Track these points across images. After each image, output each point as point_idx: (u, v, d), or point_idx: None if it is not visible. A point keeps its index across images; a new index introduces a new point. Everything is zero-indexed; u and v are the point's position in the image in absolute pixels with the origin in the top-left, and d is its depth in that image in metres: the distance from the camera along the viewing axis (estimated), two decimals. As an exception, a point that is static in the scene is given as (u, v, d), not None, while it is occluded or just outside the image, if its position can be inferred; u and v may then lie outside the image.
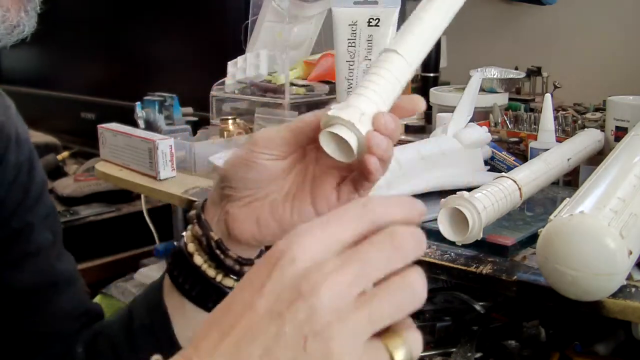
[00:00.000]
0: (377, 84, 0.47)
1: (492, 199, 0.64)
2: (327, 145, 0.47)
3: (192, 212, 0.58)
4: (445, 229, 0.65)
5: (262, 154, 0.52)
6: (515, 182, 0.69)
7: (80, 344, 0.67)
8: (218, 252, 0.57)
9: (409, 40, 0.49)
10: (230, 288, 0.57)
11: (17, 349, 0.67)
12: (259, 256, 0.59)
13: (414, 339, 0.37)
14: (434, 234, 0.66)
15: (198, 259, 0.57)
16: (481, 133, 0.90)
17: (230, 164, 0.54)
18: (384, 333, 0.37)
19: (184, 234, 0.59)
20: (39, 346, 0.68)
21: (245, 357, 0.36)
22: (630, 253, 0.49)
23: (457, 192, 0.64)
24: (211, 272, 0.57)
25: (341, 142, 0.47)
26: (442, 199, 0.65)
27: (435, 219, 0.65)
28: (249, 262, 0.57)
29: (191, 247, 0.58)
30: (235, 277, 0.57)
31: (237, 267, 0.57)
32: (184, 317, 0.60)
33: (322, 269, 0.36)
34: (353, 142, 0.46)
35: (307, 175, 0.54)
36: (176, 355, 0.38)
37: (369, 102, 0.47)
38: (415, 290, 0.37)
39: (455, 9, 0.52)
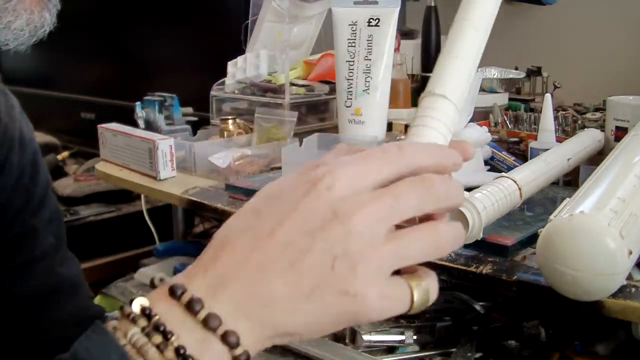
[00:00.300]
0: (429, 138, 0.44)
1: (492, 199, 0.64)
2: None
3: None
4: (445, 229, 0.65)
5: None
6: (515, 182, 0.69)
7: None
8: None
9: (454, 81, 0.46)
10: None
11: (20, 356, 0.66)
12: None
13: (433, 284, 0.40)
14: (434, 234, 0.66)
15: None
16: (481, 133, 0.90)
17: None
18: (407, 273, 0.39)
19: None
20: (42, 353, 0.67)
21: (270, 268, 0.37)
22: (630, 253, 0.49)
23: (457, 192, 0.63)
24: None
25: None
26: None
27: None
28: None
29: None
30: None
31: None
32: None
33: (359, 198, 0.38)
34: None
35: None
36: (179, 275, 0.39)
37: None
38: (440, 238, 0.39)
39: (484, 43, 0.49)
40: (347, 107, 0.96)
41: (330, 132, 1.04)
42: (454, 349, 0.77)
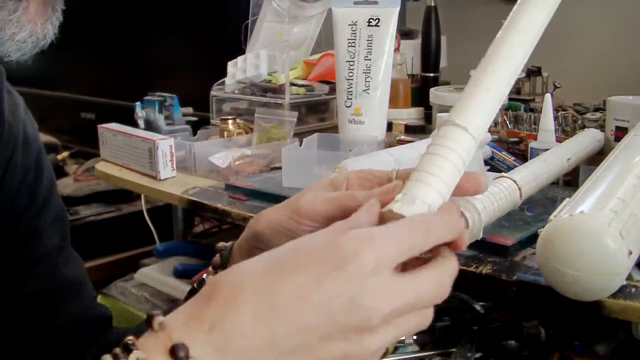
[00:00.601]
0: (443, 169, 0.42)
1: (492, 199, 0.64)
2: None
3: (218, 259, 0.56)
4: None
5: (305, 226, 0.48)
6: (515, 182, 0.69)
7: (89, 356, 0.65)
8: None
9: (479, 114, 0.44)
10: None
11: (24, 357, 0.66)
12: None
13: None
14: (434, 234, 0.66)
15: None
16: (481, 133, 0.90)
17: (269, 227, 0.49)
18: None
19: (204, 276, 0.56)
20: (47, 354, 0.66)
21: (281, 350, 0.36)
22: (630, 253, 0.49)
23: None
24: None
25: None
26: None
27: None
28: None
29: None
30: None
31: None
32: None
33: (385, 287, 0.37)
34: None
35: None
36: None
37: (435, 194, 0.42)
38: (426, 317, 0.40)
39: (516, 75, 0.47)
40: (347, 107, 0.96)
41: (330, 132, 1.04)
42: (454, 349, 0.77)
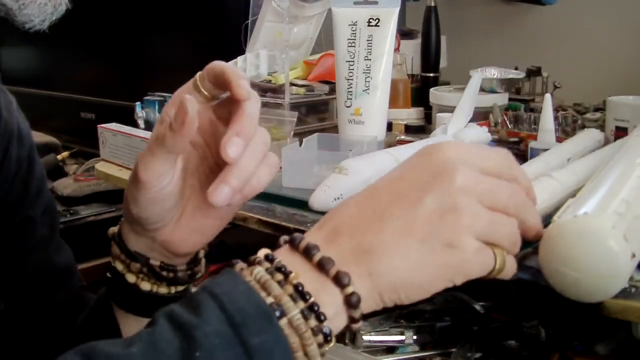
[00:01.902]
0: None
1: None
2: None
3: (115, 248, 0.58)
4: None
5: (156, 189, 0.51)
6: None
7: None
8: (165, 273, 0.57)
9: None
10: (164, 295, 0.58)
11: (17, 341, 0.68)
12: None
13: (511, 259, 0.47)
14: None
15: (131, 278, 0.57)
16: (481, 133, 0.90)
17: (135, 207, 0.53)
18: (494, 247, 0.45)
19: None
20: (39, 338, 0.68)
21: (381, 218, 0.42)
22: (634, 256, 0.49)
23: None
24: (146, 286, 0.58)
25: None
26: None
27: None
28: (182, 268, 0.58)
29: (120, 267, 0.58)
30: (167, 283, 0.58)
31: (171, 274, 0.57)
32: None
33: (467, 167, 0.44)
34: None
35: (200, 161, 0.55)
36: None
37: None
38: (517, 238, 0.47)
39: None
40: (347, 107, 0.96)
41: (330, 132, 1.04)
42: (454, 349, 0.77)
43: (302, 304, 0.40)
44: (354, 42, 0.96)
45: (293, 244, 0.43)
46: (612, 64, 1.34)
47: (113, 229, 0.59)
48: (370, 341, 0.77)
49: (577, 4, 1.39)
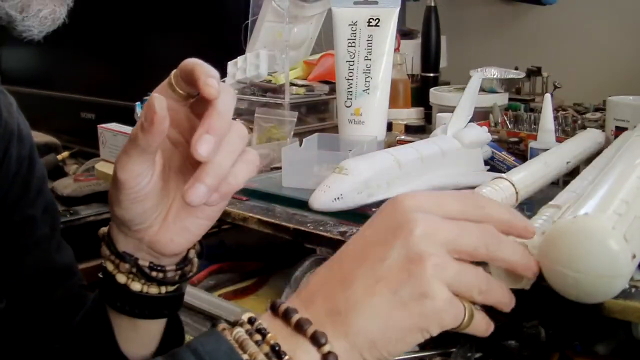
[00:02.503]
0: None
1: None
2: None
3: (105, 249, 0.58)
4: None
5: (135, 189, 0.52)
6: (512, 184, 0.69)
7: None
8: (154, 273, 0.57)
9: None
10: (154, 296, 0.58)
11: (17, 339, 0.68)
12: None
13: (481, 315, 0.47)
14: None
15: (122, 278, 0.57)
16: (481, 133, 0.90)
17: (118, 208, 0.53)
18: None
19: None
20: (38, 337, 0.69)
21: (351, 278, 0.43)
22: (634, 257, 0.49)
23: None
24: (136, 286, 0.57)
25: None
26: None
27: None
28: (171, 268, 0.58)
29: (110, 267, 0.58)
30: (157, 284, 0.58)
31: (160, 275, 0.57)
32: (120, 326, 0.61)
33: (429, 216, 0.44)
34: None
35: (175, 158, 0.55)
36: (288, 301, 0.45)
37: None
38: (490, 286, 0.46)
39: None
40: (347, 107, 0.96)
41: (330, 132, 1.04)
42: (454, 349, 0.77)
43: None
44: (354, 42, 0.96)
45: (273, 309, 0.44)
46: (612, 64, 1.34)
47: (103, 230, 0.59)
48: (370, 341, 0.77)
49: (577, 4, 1.39)
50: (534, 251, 0.50)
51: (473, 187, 0.67)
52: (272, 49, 1.20)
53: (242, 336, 0.43)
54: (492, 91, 1.13)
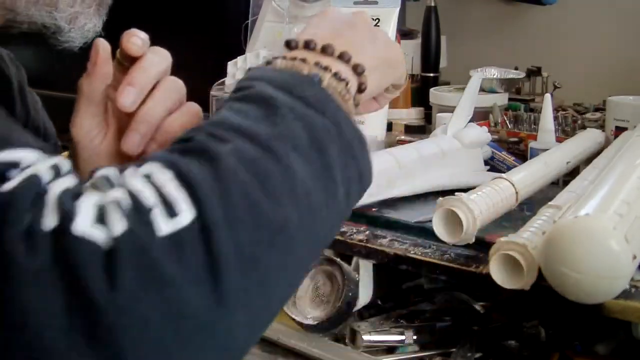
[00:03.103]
0: None
1: (488, 202, 0.64)
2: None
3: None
4: (439, 229, 0.65)
5: (89, 147, 0.54)
6: (512, 184, 0.69)
7: None
8: None
9: None
10: None
11: None
12: None
13: None
14: (433, 234, 0.66)
15: None
16: (481, 133, 0.90)
17: (78, 172, 0.54)
18: None
19: None
20: None
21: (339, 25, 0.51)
22: (635, 257, 0.49)
23: (456, 193, 0.64)
24: None
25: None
26: (440, 199, 0.65)
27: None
28: None
29: None
30: None
31: None
32: None
33: None
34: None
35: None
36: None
37: None
38: None
39: None
40: (347, 107, 0.96)
41: (330, 132, 1.04)
42: (454, 349, 0.77)
43: (329, 73, 0.46)
44: (354, 42, 0.96)
45: (289, 46, 0.48)
46: (612, 64, 1.34)
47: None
48: (370, 341, 0.77)
49: (577, 4, 1.39)
50: (535, 251, 0.50)
51: (473, 187, 0.67)
52: (272, 49, 1.20)
53: (289, 63, 0.46)
54: (492, 91, 1.13)
